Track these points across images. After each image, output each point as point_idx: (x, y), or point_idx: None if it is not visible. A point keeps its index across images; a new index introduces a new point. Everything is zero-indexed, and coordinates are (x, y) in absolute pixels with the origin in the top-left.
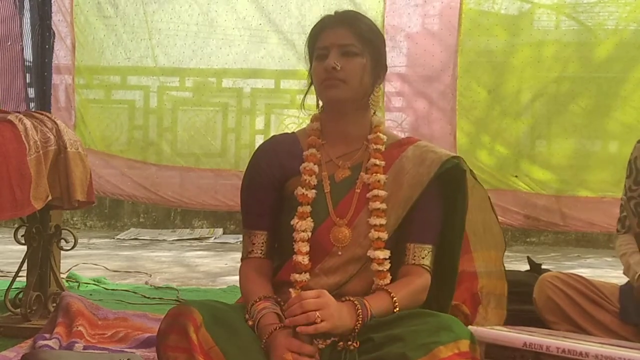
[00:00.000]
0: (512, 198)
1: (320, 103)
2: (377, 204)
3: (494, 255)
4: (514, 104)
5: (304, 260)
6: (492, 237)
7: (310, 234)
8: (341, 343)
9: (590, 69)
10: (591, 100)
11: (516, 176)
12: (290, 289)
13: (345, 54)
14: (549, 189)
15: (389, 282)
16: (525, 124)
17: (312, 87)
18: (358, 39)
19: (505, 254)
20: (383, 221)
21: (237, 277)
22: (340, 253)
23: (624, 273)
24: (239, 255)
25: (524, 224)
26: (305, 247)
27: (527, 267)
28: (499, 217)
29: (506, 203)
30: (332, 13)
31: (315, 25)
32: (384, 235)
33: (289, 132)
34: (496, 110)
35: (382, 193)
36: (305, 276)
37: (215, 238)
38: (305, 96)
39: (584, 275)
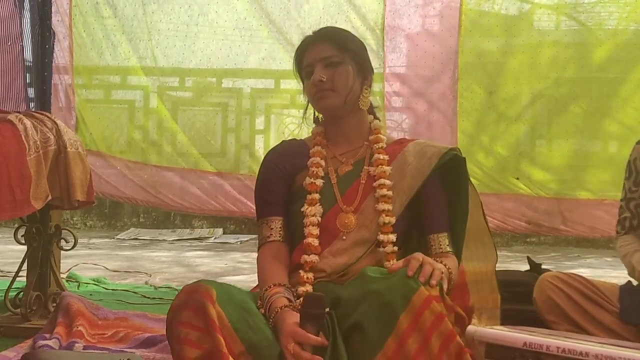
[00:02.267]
0: (513, 202)
1: (318, 115)
2: (384, 191)
3: (484, 268)
4: (514, 105)
5: (314, 242)
6: (482, 248)
7: (319, 218)
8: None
9: (591, 69)
10: (591, 101)
11: (517, 178)
12: (300, 271)
13: (328, 65)
14: (549, 191)
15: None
16: (526, 125)
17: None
18: (337, 49)
19: (505, 253)
20: (390, 207)
21: (237, 277)
22: (344, 237)
23: (629, 274)
24: (239, 255)
25: (525, 230)
26: (315, 230)
27: (527, 267)
28: (500, 223)
29: (507, 208)
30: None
31: (298, 48)
32: (392, 220)
33: (290, 132)
34: (496, 111)
35: (387, 182)
36: (314, 257)
37: (215, 238)
38: (305, 112)
39: (584, 275)
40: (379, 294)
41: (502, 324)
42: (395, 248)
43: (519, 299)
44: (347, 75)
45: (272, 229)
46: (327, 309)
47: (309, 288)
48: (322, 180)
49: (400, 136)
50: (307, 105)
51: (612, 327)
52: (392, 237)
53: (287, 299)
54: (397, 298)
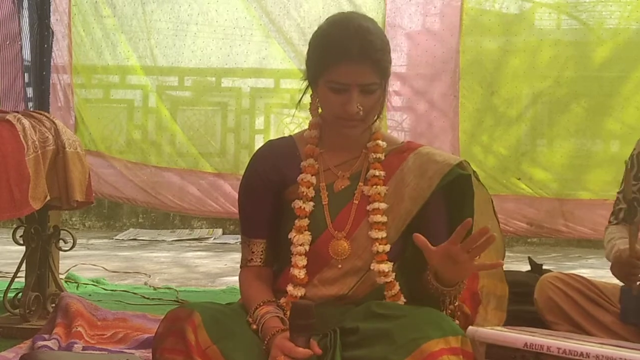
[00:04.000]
0: (514, 203)
1: (318, 108)
2: (378, 217)
3: (494, 257)
4: (515, 104)
5: (300, 274)
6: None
7: (307, 247)
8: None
9: (592, 68)
10: (593, 101)
11: (519, 178)
12: (282, 300)
13: (364, 91)
14: (551, 191)
15: (397, 291)
16: (527, 125)
17: (305, 90)
18: (378, 74)
19: (507, 254)
20: (384, 234)
21: (237, 278)
22: (340, 266)
23: (606, 256)
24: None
25: (527, 232)
26: (302, 261)
27: (528, 267)
28: (501, 225)
29: (509, 210)
30: (344, 23)
31: (330, 47)
32: (387, 248)
33: (290, 132)
34: (497, 110)
35: (382, 206)
36: (300, 291)
37: (214, 238)
38: (300, 100)
39: (584, 275)
40: (389, 334)
41: (502, 324)
42: (393, 275)
43: (519, 300)
44: (379, 101)
45: (253, 252)
46: (332, 330)
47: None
48: (312, 204)
49: (401, 136)
50: (304, 92)
51: (613, 328)
52: (386, 266)
53: (279, 318)
54: (406, 341)
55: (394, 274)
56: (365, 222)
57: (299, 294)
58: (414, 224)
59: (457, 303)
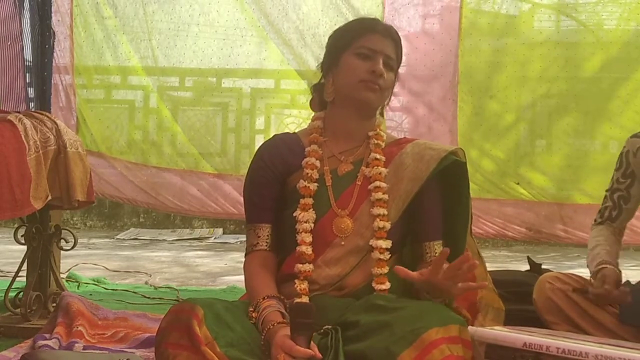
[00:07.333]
0: (513, 208)
1: (322, 99)
2: (380, 195)
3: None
4: (514, 107)
5: (308, 250)
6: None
7: (312, 224)
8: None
9: (591, 70)
10: (592, 103)
11: (518, 183)
12: (295, 281)
13: (385, 64)
14: (549, 195)
15: (386, 272)
16: (525, 128)
17: (307, 87)
18: (397, 56)
19: (505, 253)
20: (385, 211)
21: (237, 277)
22: (343, 243)
23: (587, 264)
24: (238, 255)
25: (526, 237)
26: (308, 238)
27: (527, 267)
28: (500, 229)
29: (508, 214)
30: (370, 18)
31: (359, 23)
32: (387, 225)
33: (290, 132)
34: (496, 112)
35: (383, 185)
36: (309, 266)
37: (215, 238)
38: (319, 83)
39: (583, 275)
40: (389, 326)
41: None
42: (388, 255)
43: (519, 299)
44: (392, 83)
45: (259, 237)
46: (330, 326)
47: (305, 300)
48: (316, 184)
49: (401, 136)
50: (325, 80)
51: (611, 328)
52: (385, 243)
53: (280, 312)
54: (406, 332)
55: (390, 256)
56: (368, 200)
57: (308, 270)
58: (413, 209)
59: (454, 305)
